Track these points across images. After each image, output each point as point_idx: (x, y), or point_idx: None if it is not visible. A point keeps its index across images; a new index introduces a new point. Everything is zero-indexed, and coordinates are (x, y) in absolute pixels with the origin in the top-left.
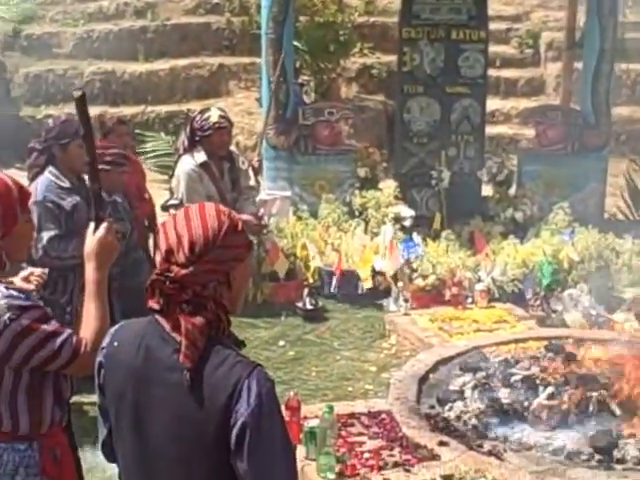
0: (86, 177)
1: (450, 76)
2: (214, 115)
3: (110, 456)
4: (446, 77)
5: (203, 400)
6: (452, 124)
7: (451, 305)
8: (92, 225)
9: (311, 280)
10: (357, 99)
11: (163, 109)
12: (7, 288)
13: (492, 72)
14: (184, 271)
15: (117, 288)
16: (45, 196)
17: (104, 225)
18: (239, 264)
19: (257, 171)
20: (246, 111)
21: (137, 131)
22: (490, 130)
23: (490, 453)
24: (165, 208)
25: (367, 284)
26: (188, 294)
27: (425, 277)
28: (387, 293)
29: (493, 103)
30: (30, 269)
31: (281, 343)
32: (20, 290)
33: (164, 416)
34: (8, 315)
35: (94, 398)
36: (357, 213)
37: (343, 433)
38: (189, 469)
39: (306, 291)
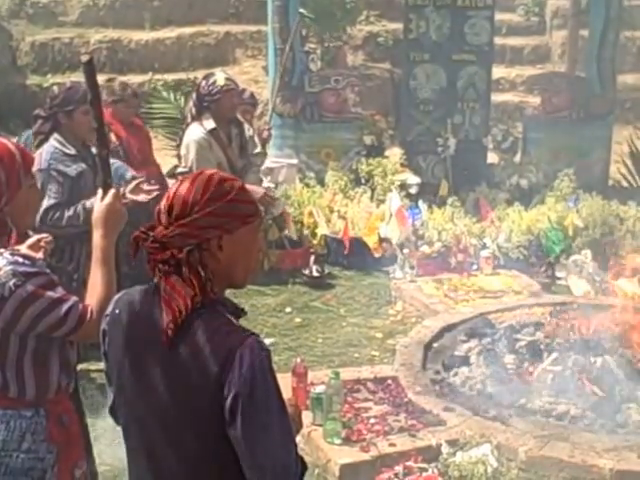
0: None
1: (456, 43)
2: (220, 78)
3: (118, 419)
4: (452, 44)
5: (196, 369)
6: (458, 91)
7: (456, 272)
8: (100, 192)
9: (317, 247)
10: (363, 67)
11: (169, 77)
12: (12, 254)
13: (498, 40)
14: (164, 232)
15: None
16: (49, 164)
17: (112, 192)
18: (227, 234)
19: (266, 140)
20: (253, 80)
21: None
22: (495, 98)
23: (495, 418)
24: (173, 175)
25: (376, 252)
26: (166, 255)
27: (431, 244)
28: (393, 260)
29: (499, 71)
30: (37, 236)
31: (288, 310)
32: (26, 256)
33: (160, 385)
34: (13, 281)
35: (101, 365)
36: (363, 181)
37: (349, 399)
38: (185, 437)
39: (312, 258)
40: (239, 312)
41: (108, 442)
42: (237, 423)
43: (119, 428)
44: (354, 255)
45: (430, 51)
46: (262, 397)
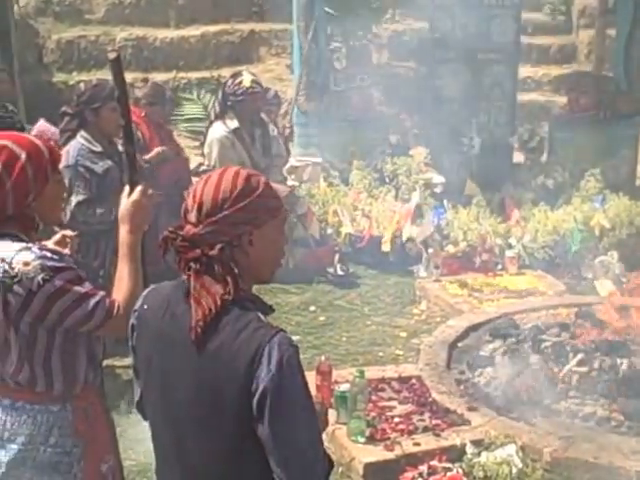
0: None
1: (482, 42)
2: (246, 80)
3: (145, 414)
4: (478, 43)
5: (225, 366)
6: (483, 90)
7: (481, 272)
8: (127, 188)
9: (342, 246)
10: (388, 66)
11: (194, 75)
12: (41, 249)
13: (524, 39)
14: (193, 230)
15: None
16: (77, 160)
17: (139, 188)
18: (256, 229)
19: (288, 138)
20: (277, 78)
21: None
22: (521, 97)
23: (520, 419)
24: (197, 174)
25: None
26: (196, 253)
27: (455, 243)
28: (418, 259)
29: (524, 70)
30: (63, 232)
31: (312, 308)
32: (54, 251)
33: (188, 381)
34: (42, 276)
35: (126, 361)
36: (388, 180)
37: (373, 397)
38: (213, 433)
39: (337, 257)
40: (267, 309)
41: (133, 437)
42: (265, 419)
43: (144, 423)
44: (378, 254)
45: (456, 50)
46: (290, 393)
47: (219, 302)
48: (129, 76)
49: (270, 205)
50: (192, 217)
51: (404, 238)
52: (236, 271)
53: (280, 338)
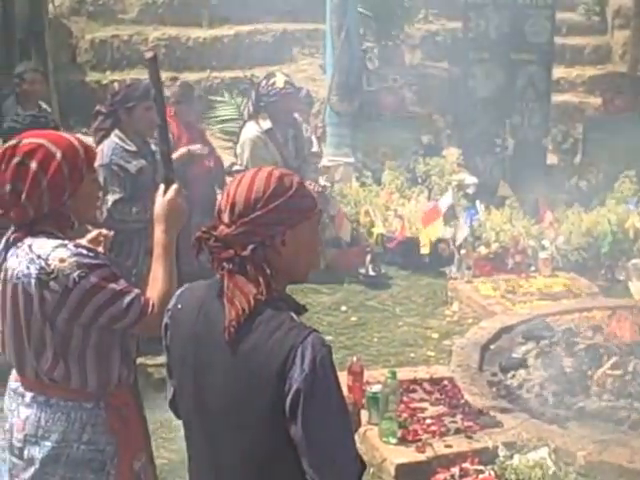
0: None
1: (516, 42)
2: (280, 81)
3: (177, 413)
4: (512, 43)
5: (258, 366)
6: (517, 91)
7: (514, 273)
8: (162, 187)
9: (374, 247)
10: (421, 66)
11: (226, 75)
12: (76, 246)
13: (557, 39)
14: (226, 230)
15: None
16: (111, 159)
17: (174, 187)
18: (289, 229)
19: (320, 138)
20: (310, 78)
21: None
22: (555, 98)
23: (553, 422)
24: (229, 173)
25: (423, 249)
26: (229, 254)
27: (488, 245)
28: (450, 260)
29: (558, 71)
30: (97, 230)
31: (343, 309)
32: (89, 249)
33: (221, 380)
34: (77, 273)
35: (159, 360)
36: (420, 180)
37: (405, 399)
38: (245, 433)
39: (369, 257)
40: (300, 309)
41: (165, 436)
42: (297, 419)
43: (176, 422)
44: (411, 255)
45: (489, 50)
46: (323, 393)
47: (252, 302)
48: (165, 76)
49: (303, 205)
50: (225, 217)
51: (433, 238)
52: (268, 271)
53: (313, 338)
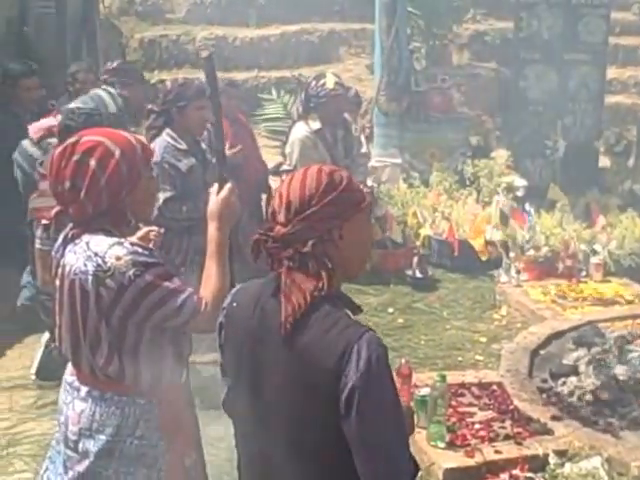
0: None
1: (569, 42)
2: (330, 82)
3: (230, 413)
4: (565, 43)
5: (314, 362)
6: (569, 92)
7: (564, 278)
8: (216, 185)
9: (421, 248)
10: (469, 66)
11: (274, 75)
12: (132, 244)
13: (610, 39)
14: (283, 230)
15: None
16: (163, 157)
17: (227, 186)
18: (345, 222)
19: (368, 138)
20: (356, 78)
21: (259, 95)
22: (607, 100)
23: (605, 430)
24: (277, 173)
25: (481, 255)
26: (289, 252)
27: (538, 248)
28: (498, 264)
29: (610, 72)
30: (147, 228)
31: (390, 310)
32: (144, 247)
33: (277, 378)
34: (133, 271)
35: (206, 358)
36: (468, 182)
37: (453, 403)
38: (300, 430)
39: (416, 259)
40: (355, 308)
41: (213, 434)
42: (352, 417)
43: (224, 420)
44: (459, 257)
45: (541, 50)
46: (378, 391)
47: (309, 298)
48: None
49: (355, 198)
50: (281, 217)
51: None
52: (330, 265)
53: (370, 337)
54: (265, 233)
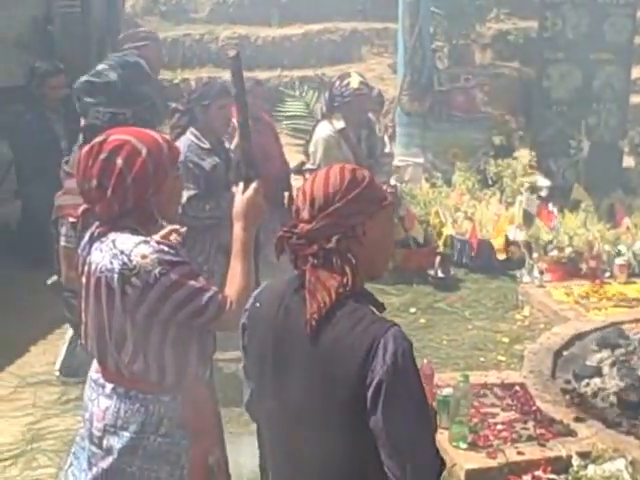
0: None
1: (594, 42)
2: (354, 81)
3: (254, 415)
4: (590, 43)
5: (339, 358)
6: (594, 92)
7: (588, 279)
8: (241, 184)
9: (443, 248)
10: (492, 66)
11: (296, 74)
12: (158, 243)
13: (636, 39)
14: (308, 226)
15: None
16: (186, 156)
17: (253, 185)
18: (368, 219)
19: (390, 138)
20: (379, 77)
21: (280, 88)
22: (632, 99)
23: (629, 432)
24: (300, 172)
25: (500, 254)
26: (313, 249)
27: (561, 249)
28: (521, 264)
29: (635, 71)
30: (170, 226)
31: (412, 310)
32: (170, 245)
33: (302, 376)
34: (158, 269)
35: (228, 355)
36: (491, 182)
37: (475, 403)
38: (326, 427)
39: (438, 259)
40: (378, 305)
41: (233, 430)
42: (378, 412)
43: (245, 417)
44: (482, 258)
45: (566, 50)
46: (404, 386)
47: (334, 295)
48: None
49: (378, 195)
50: (305, 214)
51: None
52: (354, 262)
53: (395, 332)
54: (289, 230)
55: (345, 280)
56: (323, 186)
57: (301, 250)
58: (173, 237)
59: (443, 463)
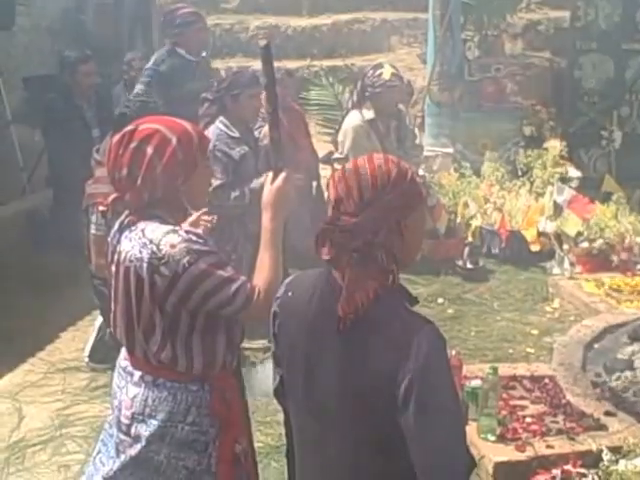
0: (258, 127)
1: (627, 31)
2: (386, 72)
3: (282, 403)
4: (622, 33)
5: (372, 354)
6: (626, 82)
7: (619, 271)
8: (270, 174)
9: (471, 239)
10: (522, 56)
11: (325, 63)
12: (187, 232)
13: None
14: (354, 219)
15: None
16: (215, 145)
17: (282, 175)
18: (411, 213)
19: (419, 128)
20: (408, 67)
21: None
22: None
23: None
24: (328, 162)
25: (533, 246)
26: (358, 243)
27: (592, 241)
28: (551, 256)
29: None
30: (197, 214)
31: (440, 301)
32: (199, 235)
33: (333, 368)
34: (187, 259)
35: (254, 344)
36: (521, 172)
37: (504, 396)
38: (355, 422)
39: (467, 250)
40: (412, 300)
41: (261, 419)
42: (409, 409)
43: (272, 406)
44: (511, 249)
45: (598, 40)
46: (437, 384)
47: (372, 295)
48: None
49: (419, 188)
50: (350, 206)
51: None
52: (398, 257)
53: (429, 329)
54: (332, 223)
55: (390, 278)
56: (370, 177)
57: (345, 244)
58: (202, 222)
59: (473, 462)
